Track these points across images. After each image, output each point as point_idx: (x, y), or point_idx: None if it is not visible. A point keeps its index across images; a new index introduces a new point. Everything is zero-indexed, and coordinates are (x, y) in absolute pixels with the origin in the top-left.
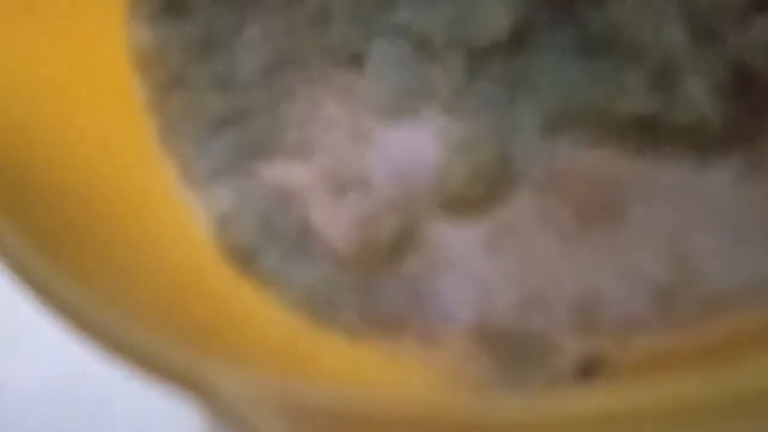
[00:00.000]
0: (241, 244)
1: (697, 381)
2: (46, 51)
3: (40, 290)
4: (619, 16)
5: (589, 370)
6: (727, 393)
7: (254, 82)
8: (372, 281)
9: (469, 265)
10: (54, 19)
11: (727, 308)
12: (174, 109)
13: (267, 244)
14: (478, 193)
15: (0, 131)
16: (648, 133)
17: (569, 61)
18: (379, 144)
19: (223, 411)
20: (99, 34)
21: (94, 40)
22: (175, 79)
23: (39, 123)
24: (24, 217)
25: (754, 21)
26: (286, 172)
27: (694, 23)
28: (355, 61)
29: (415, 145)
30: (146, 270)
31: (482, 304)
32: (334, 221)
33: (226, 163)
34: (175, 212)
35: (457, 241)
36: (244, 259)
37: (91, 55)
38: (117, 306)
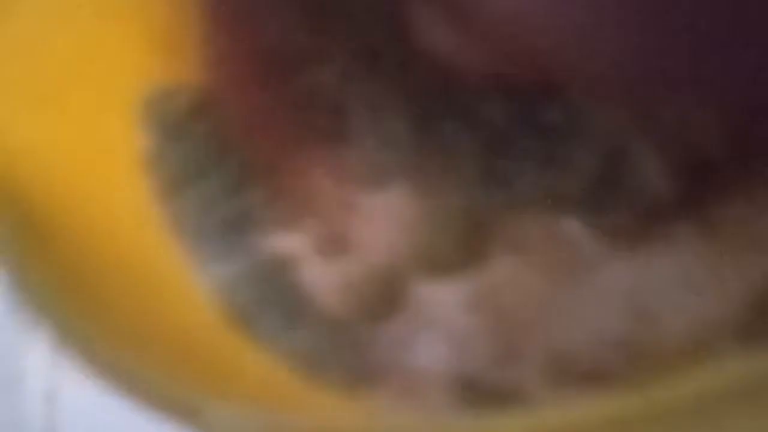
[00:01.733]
0: (241, 310)
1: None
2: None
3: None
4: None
5: None
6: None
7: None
8: (360, 339)
9: (450, 322)
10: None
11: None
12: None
13: (263, 311)
14: (457, 257)
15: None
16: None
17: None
18: (365, 211)
19: None
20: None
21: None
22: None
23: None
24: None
25: None
26: (279, 241)
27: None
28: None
29: (396, 212)
30: (150, 327)
31: (461, 358)
32: (325, 285)
33: (222, 235)
34: (179, 281)
35: (440, 301)
36: (243, 322)
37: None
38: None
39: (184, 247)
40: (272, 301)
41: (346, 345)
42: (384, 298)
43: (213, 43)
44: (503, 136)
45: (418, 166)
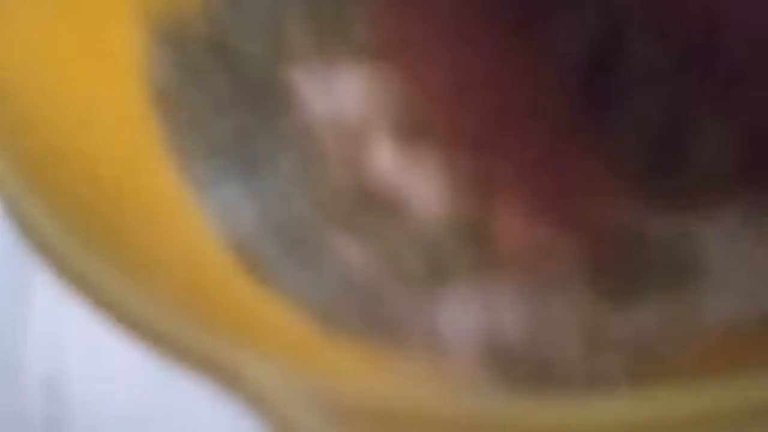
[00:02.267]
0: (248, 245)
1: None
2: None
3: (77, 281)
4: None
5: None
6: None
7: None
8: (387, 294)
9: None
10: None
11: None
12: (174, 122)
13: (274, 247)
14: None
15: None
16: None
17: None
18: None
19: (254, 401)
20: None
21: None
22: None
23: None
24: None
25: None
26: (288, 176)
27: None
28: None
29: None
30: (167, 267)
31: (487, 320)
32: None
33: (227, 171)
34: (185, 213)
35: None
36: (251, 260)
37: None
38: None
39: (187, 171)
40: (279, 238)
41: (363, 294)
42: (425, 266)
43: None
44: None
45: None
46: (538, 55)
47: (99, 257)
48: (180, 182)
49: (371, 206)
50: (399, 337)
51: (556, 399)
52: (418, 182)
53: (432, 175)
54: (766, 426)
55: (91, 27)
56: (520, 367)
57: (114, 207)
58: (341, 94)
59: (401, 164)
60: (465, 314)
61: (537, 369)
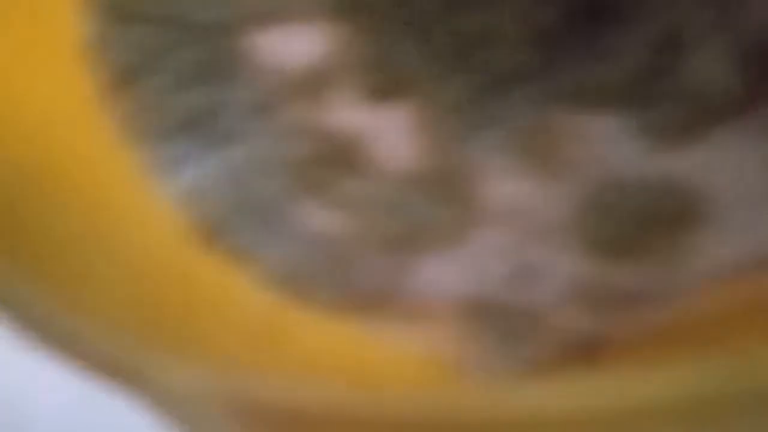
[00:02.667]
0: (208, 219)
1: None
2: None
3: None
4: None
5: (589, 348)
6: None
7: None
8: (354, 255)
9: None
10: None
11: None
12: (131, 106)
13: (237, 218)
14: None
15: None
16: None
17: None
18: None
19: (171, 408)
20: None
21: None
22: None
23: None
24: None
25: None
26: (253, 147)
27: None
28: None
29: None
30: (108, 260)
31: (471, 278)
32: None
33: (190, 149)
34: (136, 199)
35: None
36: (212, 235)
37: (39, 45)
38: (69, 299)
39: (138, 151)
40: (248, 209)
41: (337, 261)
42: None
43: None
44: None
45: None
46: None
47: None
48: (135, 167)
49: (340, 169)
50: (373, 303)
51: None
52: (387, 140)
53: (402, 132)
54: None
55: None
56: (505, 324)
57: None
58: (302, 55)
59: (369, 123)
60: (445, 274)
61: (523, 326)
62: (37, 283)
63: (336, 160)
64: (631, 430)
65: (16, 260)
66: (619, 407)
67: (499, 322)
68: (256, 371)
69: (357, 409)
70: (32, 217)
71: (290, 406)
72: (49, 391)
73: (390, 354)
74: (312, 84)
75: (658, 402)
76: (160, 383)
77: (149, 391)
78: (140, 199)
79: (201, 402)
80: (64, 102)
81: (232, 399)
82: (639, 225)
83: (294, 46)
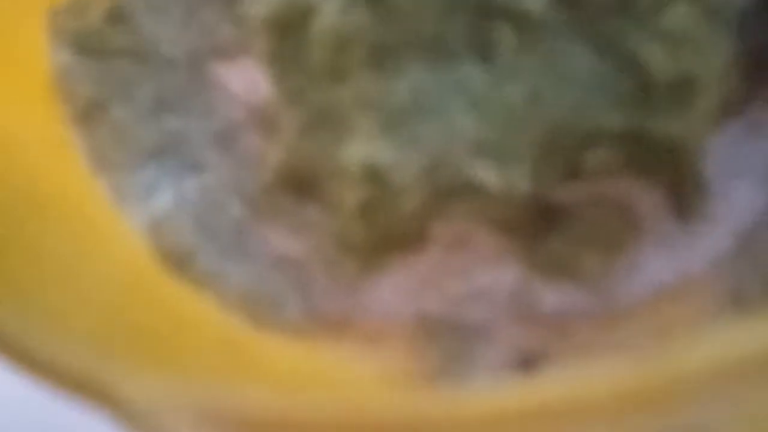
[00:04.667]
0: (176, 246)
1: (633, 370)
2: None
3: None
4: None
5: (527, 361)
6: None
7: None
8: (314, 278)
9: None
10: None
11: (665, 296)
12: (100, 137)
13: (203, 244)
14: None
15: None
16: None
17: None
18: None
19: (138, 422)
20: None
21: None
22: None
23: None
24: None
25: None
26: (216, 175)
27: None
28: None
29: None
30: (77, 279)
31: (423, 298)
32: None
33: (158, 177)
34: (106, 223)
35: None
36: (179, 261)
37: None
38: (36, 317)
39: (107, 180)
40: (212, 234)
41: (298, 284)
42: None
43: None
44: None
45: None
46: None
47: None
48: (105, 194)
49: (298, 195)
50: (332, 324)
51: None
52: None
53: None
54: None
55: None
56: (449, 342)
57: (25, 215)
58: (260, 86)
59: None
60: (393, 293)
61: (465, 343)
62: (6, 297)
63: (294, 186)
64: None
65: None
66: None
67: (448, 339)
68: (220, 384)
69: (319, 414)
70: (5, 238)
71: (253, 416)
72: None
73: (349, 374)
74: (269, 114)
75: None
76: (127, 396)
77: (116, 406)
78: (111, 224)
79: (166, 414)
80: (36, 131)
81: (197, 410)
82: (577, 244)
83: (252, 77)
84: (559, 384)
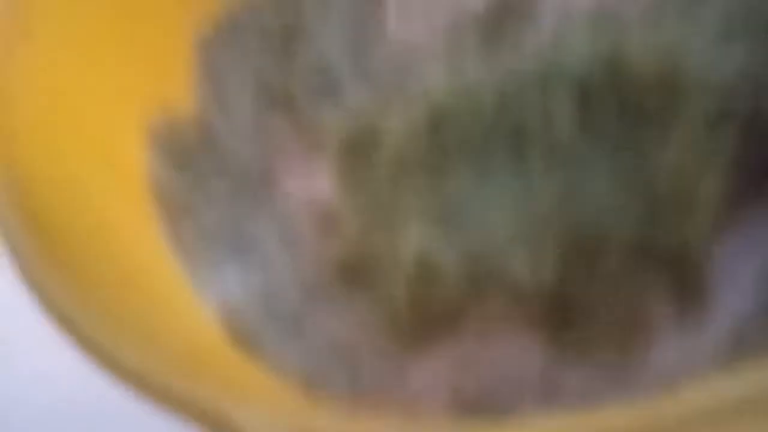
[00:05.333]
0: (241, 329)
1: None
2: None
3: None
4: None
5: None
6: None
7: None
8: (362, 360)
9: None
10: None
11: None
12: (185, 236)
13: (264, 328)
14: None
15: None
16: None
17: None
18: None
19: None
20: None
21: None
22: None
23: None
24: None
25: None
26: (281, 269)
27: None
28: None
29: None
30: (155, 344)
31: (458, 380)
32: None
33: (232, 270)
34: (185, 302)
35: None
36: (244, 341)
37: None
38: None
39: (188, 267)
40: (275, 318)
41: (348, 366)
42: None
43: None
44: None
45: None
46: None
47: (112, 330)
48: (178, 269)
49: (346, 280)
50: (376, 398)
51: None
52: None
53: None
54: None
55: (101, 146)
56: (482, 420)
57: (126, 290)
58: (317, 182)
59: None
60: (432, 374)
61: (497, 420)
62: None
63: (347, 278)
64: None
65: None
66: None
67: (474, 418)
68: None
69: None
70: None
71: None
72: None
73: None
74: (330, 214)
75: None
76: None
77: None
78: (186, 303)
79: None
80: (132, 225)
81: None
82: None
83: (318, 183)
84: None
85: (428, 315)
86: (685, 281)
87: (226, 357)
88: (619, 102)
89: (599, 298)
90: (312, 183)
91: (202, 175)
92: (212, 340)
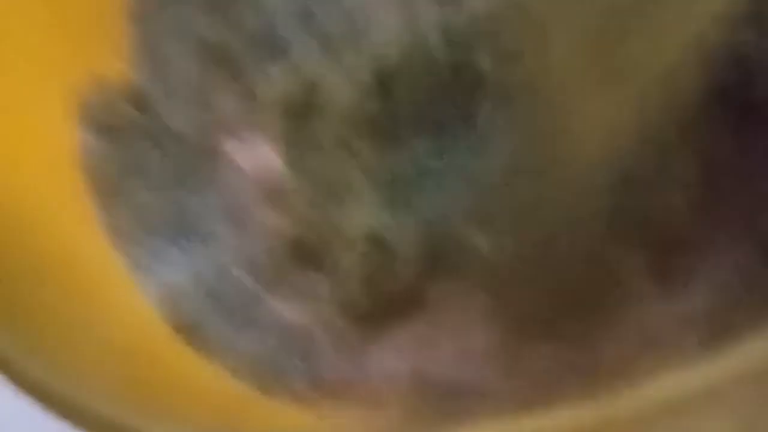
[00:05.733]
0: (187, 315)
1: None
2: None
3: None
4: None
5: None
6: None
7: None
8: (318, 347)
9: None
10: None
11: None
12: (118, 211)
13: (212, 313)
14: None
15: None
16: None
17: None
18: None
19: None
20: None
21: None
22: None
23: None
24: None
25: None
26: (227, 248)
27: None
28: None
29: None
30: (95, 343)
31: (418, 358)
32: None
33: (172, 250)
34: (121, 291)
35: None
36: (189, 330)
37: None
38: (68, 376)
39: (125, 252)
40: (221, 306)
41: (303, 353)
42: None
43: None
44: None
45: None
46: None
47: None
48: (113, 255)
49: (298, 260)
50: (334, 390)
51: None
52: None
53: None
54: None
55: (26, 122)
56: (445, 401)
57: (53, 283)
58: (267, 158)
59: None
60: (393, 357)
61: (460, 400)
62: (34, 354)
63: (301, 257)
64: None
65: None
66: None
67: (444, 400)
68: None
69: None
70: (29, 297)
71: None
72: None
73: None
74: (278, 188)
75: None
76: None
77: None
78: (125, 292)
79: None
80: (61, 202)
81: None
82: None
83: (262, 153)
84: None
85: (384, 295)
86: (659, 256)
87: (169, 352)
88: None
89: (565, 263)
90: (258, 153)
91: (139, 148)
92: (153, 335)
